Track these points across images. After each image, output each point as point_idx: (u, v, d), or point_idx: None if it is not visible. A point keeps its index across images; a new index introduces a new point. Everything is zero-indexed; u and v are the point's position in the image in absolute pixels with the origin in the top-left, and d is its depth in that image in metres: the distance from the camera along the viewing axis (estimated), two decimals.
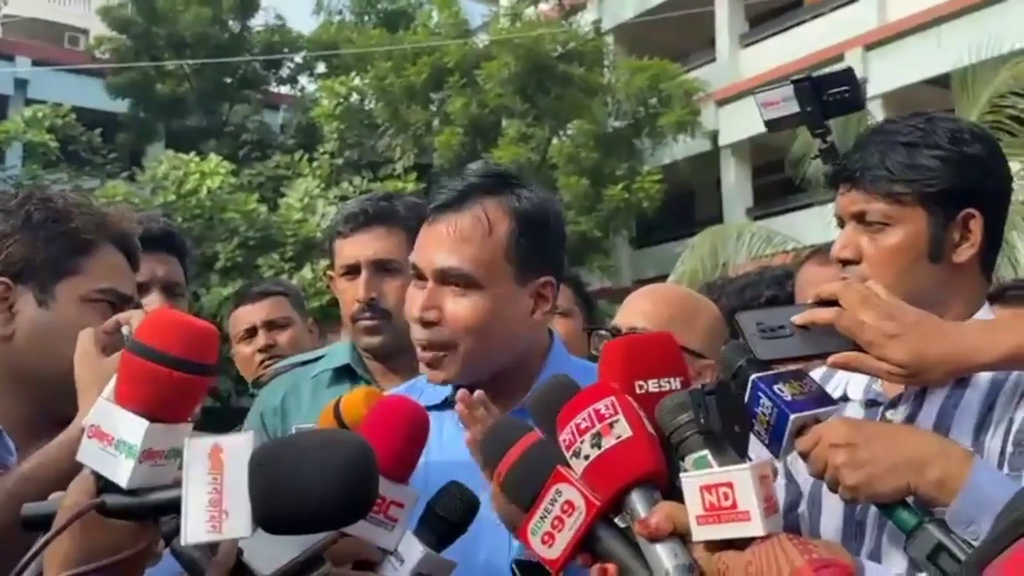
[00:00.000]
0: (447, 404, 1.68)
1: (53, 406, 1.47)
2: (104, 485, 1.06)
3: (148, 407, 1.05)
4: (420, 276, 1.64)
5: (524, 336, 1.67)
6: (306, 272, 14.50)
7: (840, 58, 16.97)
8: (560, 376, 1.33)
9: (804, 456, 1.30)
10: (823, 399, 1.32)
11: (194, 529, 1.00)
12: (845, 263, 1.55)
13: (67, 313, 1.52)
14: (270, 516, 0.99)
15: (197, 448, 1.01)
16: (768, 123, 3.06)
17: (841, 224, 1.60)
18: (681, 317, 2.20)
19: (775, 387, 1.29)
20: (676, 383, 1.23)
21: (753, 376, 1.29)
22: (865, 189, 1.53)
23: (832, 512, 1.51)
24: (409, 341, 2.41)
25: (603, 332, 2.27)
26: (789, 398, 1.28)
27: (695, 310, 2.26)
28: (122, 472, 1.04)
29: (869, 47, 17.13)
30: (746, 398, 1.30)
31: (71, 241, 1.55)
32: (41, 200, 1.58)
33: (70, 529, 1.04)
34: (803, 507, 1.57)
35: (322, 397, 2.43)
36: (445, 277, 1.60)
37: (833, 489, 1.29)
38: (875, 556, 1.41)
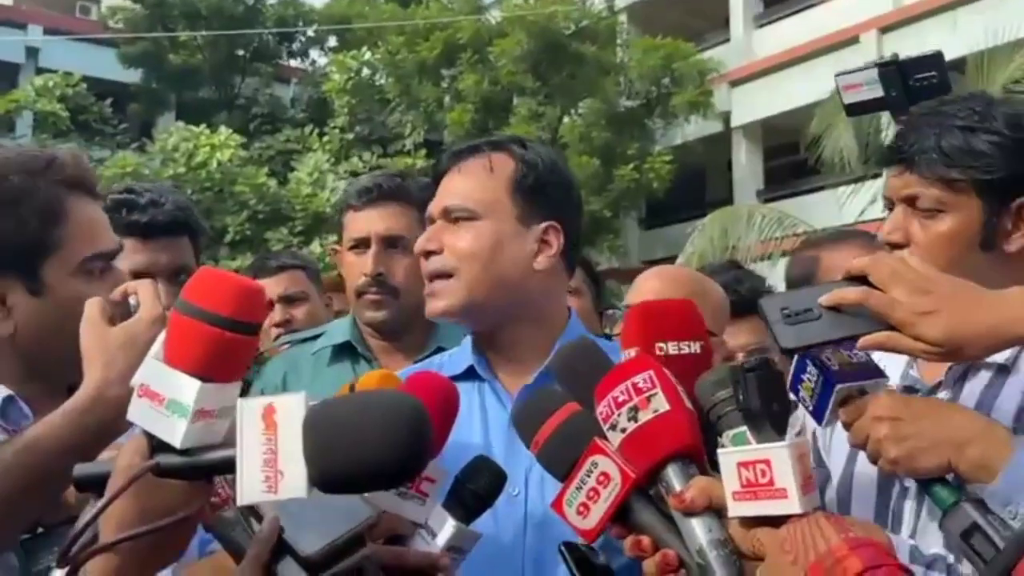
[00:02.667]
0: (467, 375, 1.68)
1: (71, 379, 1.46)
2: (157, 444, 1.05)
3: (199, 367, 1.03)
4: (428, 224, 1.70)
5: (528, 280, 1.66)
6: (315, 246, 14.51)
7: (855, 40, 16.88)
8: (583, 338, 1.35)
9: (847, 426, 1.29)
10: (871, 370, 1.29)
11: (250, 489, 0.99)
12: (893, 246, 1.51)
13: (62, 293, 1.46)
14: (325, 475, 0.98)
15: (250, 409, 1.00)
16: (848, 107, 2.96)
17: (889, 206, 1.57)
18: (694, 296, 2.22)
19: (823, 355, 1.26)
20: (696, 347, 1.23)
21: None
22: (920, 173, 1.49)
23: (864, 500, 1.51)
24: (413, 319, 2.44)
25: (616, 311, 2.28)
26: (836, 367, 1.26)
27: (704, 290, 2.30)
28: (175, 432, 1.03)
29: (884, 30, 17.01)
30: (792, 365, 1.29)
31: (42, 217, 1.45)
32: None
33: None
34: (831, 494, 1.57)
35: (322, 374, 2.44)
36: (449, 214, 1.66)
37: (874, 462, 1.29)
38: None
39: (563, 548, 1.27)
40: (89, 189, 1.54)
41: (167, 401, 1.04)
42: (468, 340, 1.74)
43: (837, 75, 2.92)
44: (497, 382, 1.66)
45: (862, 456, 1.52)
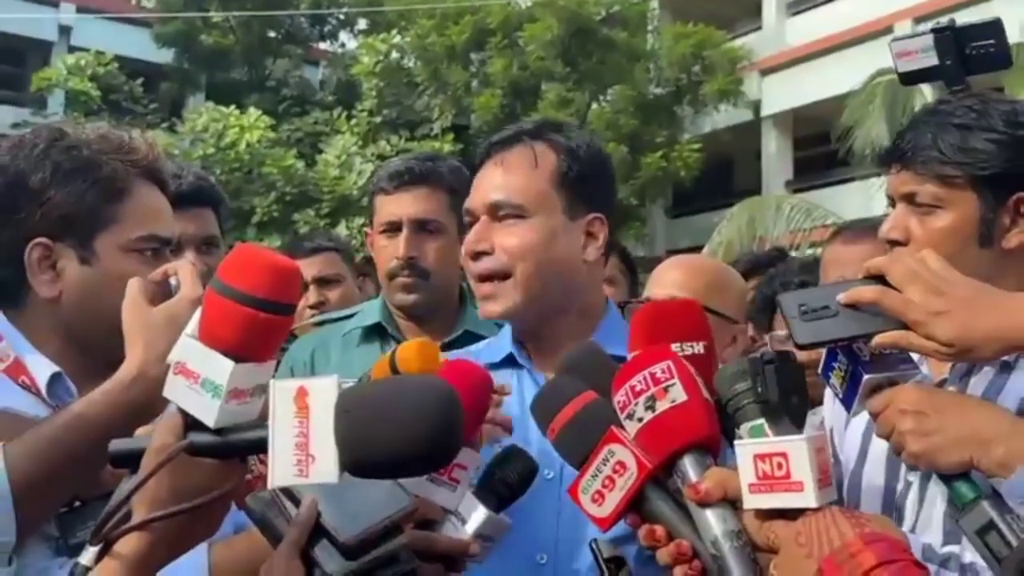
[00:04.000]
0: (505, 363, 1.69)
1: (108, 353, 1.48)
2: (190, 423, 1.05)
3: (233, 347, 1.03)
4: (473, 220, 1.67)
5: (578, 274, 1.67)
6: (341, 229, 14.57)
7: (890, 30, 16.62)
8: (589, 342, 1.40)
9: (874, 417, 1.29)
10: (902, 361, 1.29)
11: (281, 473, 0.99)
12: (893, 243, 1.53)
13: (110, 266, 1.49)
14: (357, 461, 0.98)
15: (282, 391, 1.00)
16: (902, 76, 2.87)
17: (892, 203, 1.58)
18: (715, 285, 2.25)
19: (855, 344, 1.27)
20: (699, 347, 1.25)
21: None
22: (916, 170, 1.51)
23: (873, 497, 1.51)
24: (442, 302, 2.46)
25: (638, 304, 2.29)
26: (867, 357, 1.26)
27: (726, 279, 2.30)
28: (209, 412, 1.03)
29: (919, 19, 16.75)
30: (824, 351, 1.29)
31: (105, 190, 1.50)
32: (67, 148, 1.51)
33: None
34: (844, 489, 1.56)
35: (351, 355, 2.47)
36: (496, 211, 1.64)
37: (897, 454, 1.28)
38: None
39: (594, 545, 1.29)
40: (157, 178, 1.58)
41: (202, 379, 1.04)
42: (507, 328, 1.74)
43: (891, 41, 2.81)
44: (536, 370, 1.66)
45: (872, 455, 1.52)
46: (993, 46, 2.88)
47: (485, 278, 1.63)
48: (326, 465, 0.98)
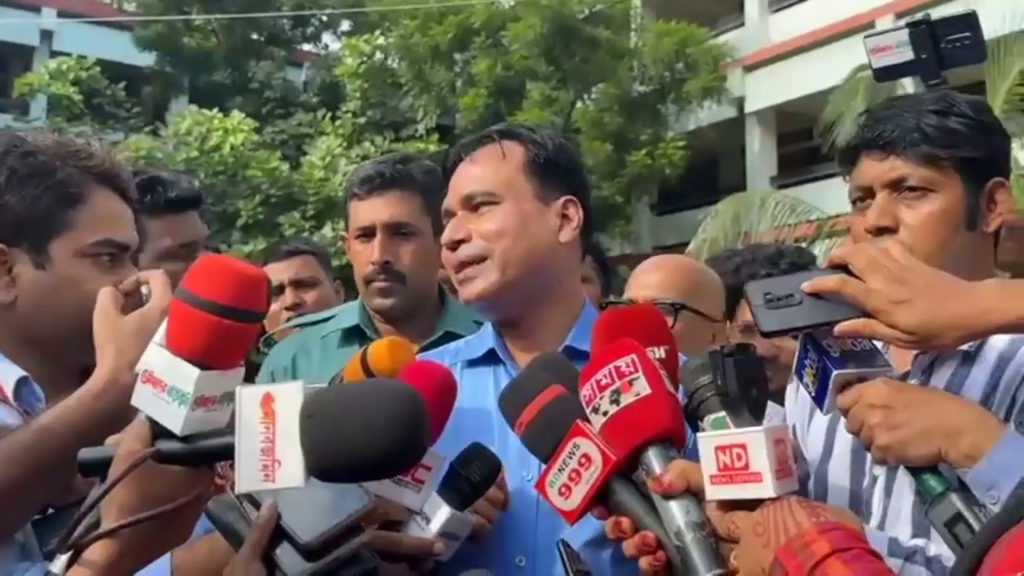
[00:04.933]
0: (486, 359, 1.70)
1: (70, 359, 1.48)
2: (159, 431, 1.06)
3: (199, 354, 1.04)
4: (448, 217, 1.71)
5: (555, 256, 1.69)
6: (327, 231, 14.55)
7: (871, 25, 16.68)
8: (555, 354, 1.44)
9: (844, 413, 1.31)
10: (872, 358, 1.31)
11: (247, 478, 1.00)
12: (882, 231, 1.52)
13: (65, 272, 1.49)
14: (323, 466, 0.99)
15: (248, 397, 1.01)
16: (877, 71, 2.85)
17: (859, 197, 1.58)
18: (695, 285, 2.27)
19: (824, 341, 1.28)
20: (661, 352, 1.26)
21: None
22: (904, 154, 1.52)
23: (838, 491, 1.52)
24: (421, 304, 2.47)
25: (619, 304, 2.30)
26: (837, 354, 1.28)
27: (705, 279, 2.33)
28: (175, 419, 1.04)
29: (901, 14, 16.83)
30: (796, 351, 1.31)
31: (59, 195, 1.50)
32: (23, 154, 1.51)
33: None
34: (810, 485, 1.58)
35: (332, 357, 2.46)
36: (469, 202, 1.68)
37: (867, 448, 1.30)
38: None
39: (561, 545, 1.30)
40: (116, 184, 1.58)
41: (169, 388, 1.05)
42: (487, 326, 1.75)
43: (866, 37, 2.79)
44: (515, 365, 1.67)
45: (837, 451, 1.54)
46: (968, 39, 2.87)
47: (464, 264, 1.66)
48: (292, 470, 0.99)
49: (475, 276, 1.64)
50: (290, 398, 1.00)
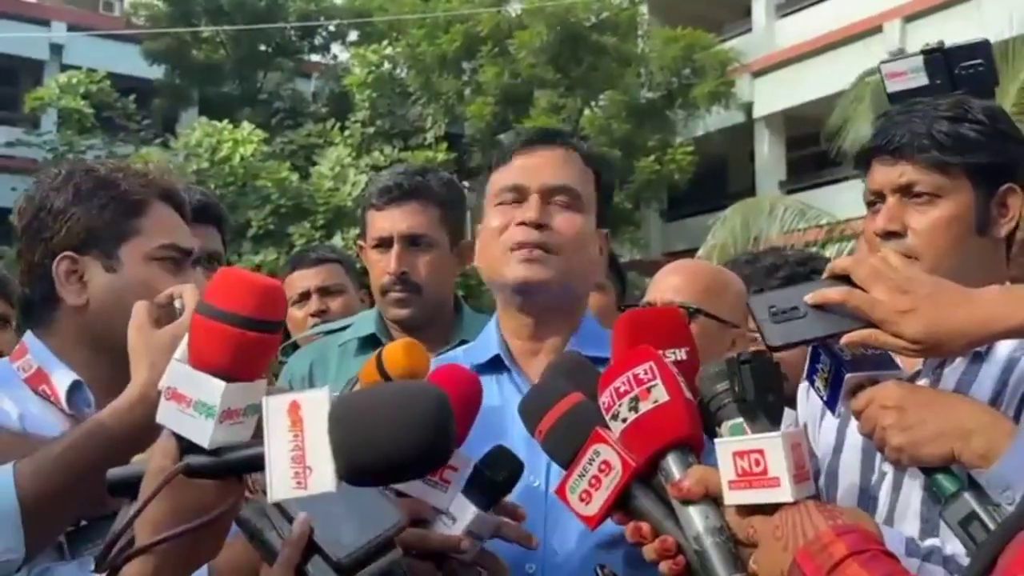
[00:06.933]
0: (492, 365, 1.71)
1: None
2: (186, 446, 1.07)
3: (223, 368, 1.05)
4: (516, 197, 1.68)
5: (593, 276, 1.76)
6: (336, 240, 14.57)
7: (879, 29, 16.73)
8: (574, 352, 1.46)
9: (856, 415, 1.32)
10: (883, 362, 1.32)
11: (279, 487, 1.00)
12: (890, 236, 1.54)
13: (135, 273, 1.57)
14: (353, 468, 0.99)
15: (275, 406, 1.02)
16: (891, 96, 2.93)
17: (871, 200, 1.60)
18: (714, 290, 2.27)
19: (836, 346, 1.30)
20: (681, 353, 1.28)
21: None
22: (914, 160, 1.53)
23: (848, 489, 1.54)
24: (437, 314, 2.49)
25: (637, 308, 2.32)
26: (848, 357, 1.30)
27: (725, 283, 2.32)
28: (203, 433, 1.05)
29: (908, 18, 16.84)
30: (808, 354, 1.32)
31: (124, 204, 1.59)
32: (85, 171, 1.62)
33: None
34: (821, 482, 1.59)
35: (349, 365, 2.50)
36: (553, 193, 1.67)
37: (880, 450, 1.31)
38: None
39: (598, 569, 1.33)
40: (173, 199, 1.68)
41: (194, 403, 1.05)
42: (490, 330, 1.76)
43: (882, 63, 2.87)
44: (520, 371, 1.68)
45: (846, 449, 1.55)
46: (982, 66, 2.93)
47: (536, 246, 1.64)
48: (324, 475, 0.99)
49: (542, 261, 1.63)
50: (317, 404, 1.01)
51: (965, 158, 1.52)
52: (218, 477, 1.08)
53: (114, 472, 1.14)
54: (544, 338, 1.69)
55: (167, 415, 1.08)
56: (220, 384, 1.05)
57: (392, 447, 0.99)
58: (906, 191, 1.54)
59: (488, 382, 1.67)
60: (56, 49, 21.78)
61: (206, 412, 1.05)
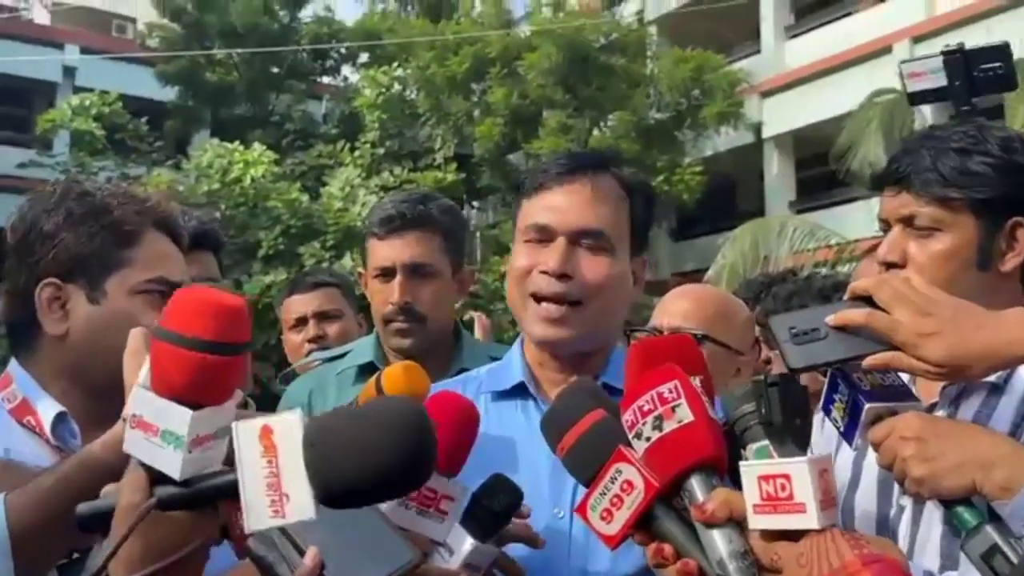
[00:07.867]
0: (517, 391, 1.68)
1: (114, 398, 1.50)
2: (156, 475, 1.01)
3: (188, 394, 0.99)
4: (543, 237, 1.63)
5: (624, 313, 1.69)
6: (346, 261, 14.59)
7: (888, 50, 16.74)
8: (587, 379, 1.42)
9: (875, 446, 1.30)
10: (902, 393, 1.31)
11: (257, 516, 0.96)
12: (890, 266, 1.53)
13: (118, 307, 1.51)
14: (331, 491, 0.95)
15: (246, 432, 0.97)
16: (911, 95, 2.91)
17: (884, 227, 1.59)
18: (721, 317, 2.26)
19: (855, 375, 1.28)
20: (696, 382, 1.25)
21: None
22: (916, 192, 1.52)
23: (865, 521, 1.51)
24: (438, 343, 2.46)
25: (643, 332, 2.30)
26: (867, 388, 1.28)
27: (732, 310, 2.31)
28: (172, 464, 0.99)
29: (917, 39, 16.85)
30: (825, 384, 1.30)
31: (115, 234, 1.53)
32: (80, 195, 1.56)
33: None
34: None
35: (347, 393, 2.46)
36: (580, 237, 1.61)
37: (900, 482, 1.29)
38: None
39: None
40: (170, 228, 1.61)
41: (161, 431, 1.00)
42: (514, 355, 1.72)
43: (902, 63, 2.87)
44: (546, 399, 1.64)
45: (864, 481, 1.53)
46: (1001, 68, 2.93)
47: (557, 300, 1.60)
48: (302, 502, 0.95)
49: (563, 320, 1.59)
50: (290, 428, 0.96)
51: (968, 192, 1.50)
52: (191, 508, 1.02)
53: (84, 507, 1.09)
54: (571, 373, 1.63)
55: (134, 444, 1.02)
56: (186, 412, 0.98)
57: (369, 464, 0.95)
58: (908, 222, 1.54)
59: (511, 408, 1.66)
60: (69, 71, 21.95)
61: (174, 442, 0.99)
